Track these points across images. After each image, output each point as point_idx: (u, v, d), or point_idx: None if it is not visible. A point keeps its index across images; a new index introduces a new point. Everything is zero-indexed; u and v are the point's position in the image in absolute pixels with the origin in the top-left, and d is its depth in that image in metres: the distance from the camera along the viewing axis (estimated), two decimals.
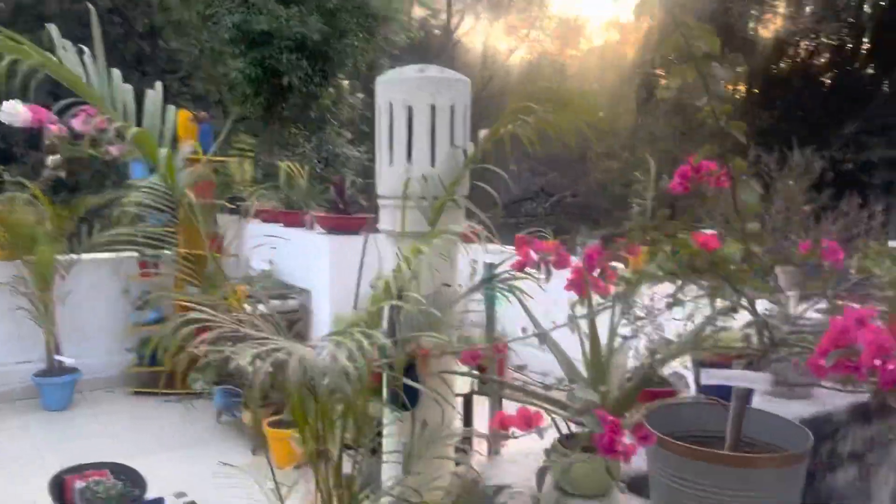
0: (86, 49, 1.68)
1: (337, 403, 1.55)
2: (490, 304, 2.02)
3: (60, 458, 4.23)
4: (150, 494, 3.74)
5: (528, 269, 1.94)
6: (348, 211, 4.69)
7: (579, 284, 2.12)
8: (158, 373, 5.80)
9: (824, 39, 15.37)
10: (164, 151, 1.58)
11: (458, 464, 1.99)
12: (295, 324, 4.80)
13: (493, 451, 2.18)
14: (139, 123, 1.72)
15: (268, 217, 5.45)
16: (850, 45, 14.95)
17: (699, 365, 2.05)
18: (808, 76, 15.50)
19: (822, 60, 15.43)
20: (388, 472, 1.96)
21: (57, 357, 5.60)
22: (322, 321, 4.77)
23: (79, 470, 3.72)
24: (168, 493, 4.14)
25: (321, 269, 4.72)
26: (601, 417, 1.29)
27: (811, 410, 2.48)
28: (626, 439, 1.29)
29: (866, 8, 14.88)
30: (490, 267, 1.93)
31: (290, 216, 5.31)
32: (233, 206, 6.06)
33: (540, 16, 24.32)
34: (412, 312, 1.85)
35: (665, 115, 17.40)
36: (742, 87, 16.63)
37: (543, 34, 24.33)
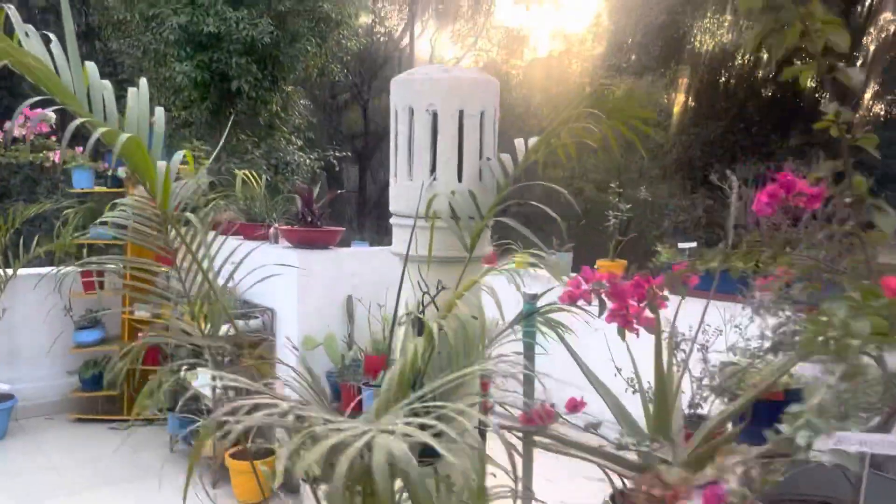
0: (52, 37, 1.37)
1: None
2: (530, 343, 1.76)
3: None
4: None
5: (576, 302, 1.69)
6: (317, 223, 4.36)
7: (624, 316, 1.88)
8: (103, 398, 5.37)
9: (766, 54, 15.67)
10: (162, 165, 1.27)
11: None
12: (259, 344, 4.45)
13: None
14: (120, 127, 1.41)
15: (226, 229, 5.06)
16: (793, 59, 15.27)
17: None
18: (752, 88, 15.75)
19: (766, 73, 15.71)
20: None
21: None
22: (288, 343, 4.43)
23: None
24: None
25: (288, 286, 4.38)
26: None
27: None
28: None
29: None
30: (532, 298, 1.67)
31: (251, 229, 4.94)
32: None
33: (486, 25, 24.27)
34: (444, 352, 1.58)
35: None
36: (681, 98, 16.83)
37: (489, 43, 24.27)
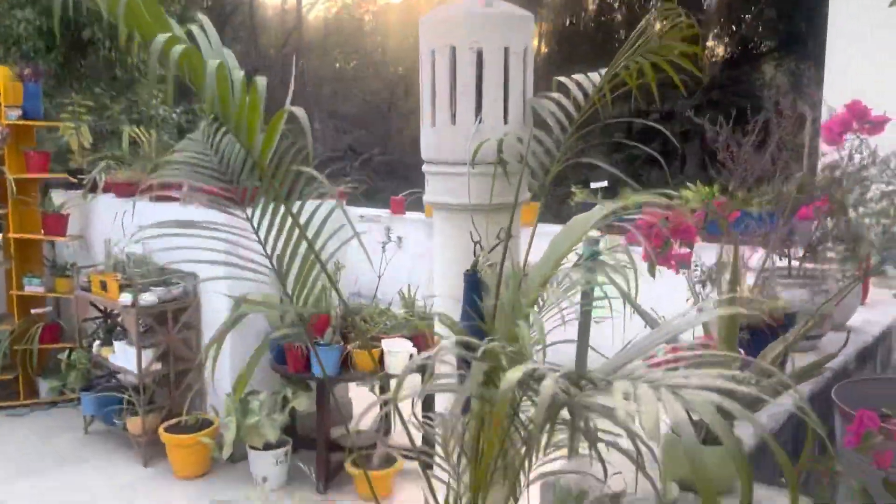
0: None
1: None
2: (589, 292, 1.69)
3: None
4: None
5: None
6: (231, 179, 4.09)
7: (663, 254, 1.90)
8: None
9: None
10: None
11: None
12: (183, 312, 4.16)
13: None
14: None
15: (124, 191, 4.67)
16: None
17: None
18: (608, 31, 16.30)
19: (620, 16, 16.29)
20: None
21: None
22: (216, 307, 4.17)
23: None
24: None
25: (209, 247, 4.11)
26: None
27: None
28: None
29: None
30: (593, 243, 1.63)
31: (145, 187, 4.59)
32: (74, 180, 5.17)
33: None
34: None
35: None
36: (544, 42, 17.18)
37: None
